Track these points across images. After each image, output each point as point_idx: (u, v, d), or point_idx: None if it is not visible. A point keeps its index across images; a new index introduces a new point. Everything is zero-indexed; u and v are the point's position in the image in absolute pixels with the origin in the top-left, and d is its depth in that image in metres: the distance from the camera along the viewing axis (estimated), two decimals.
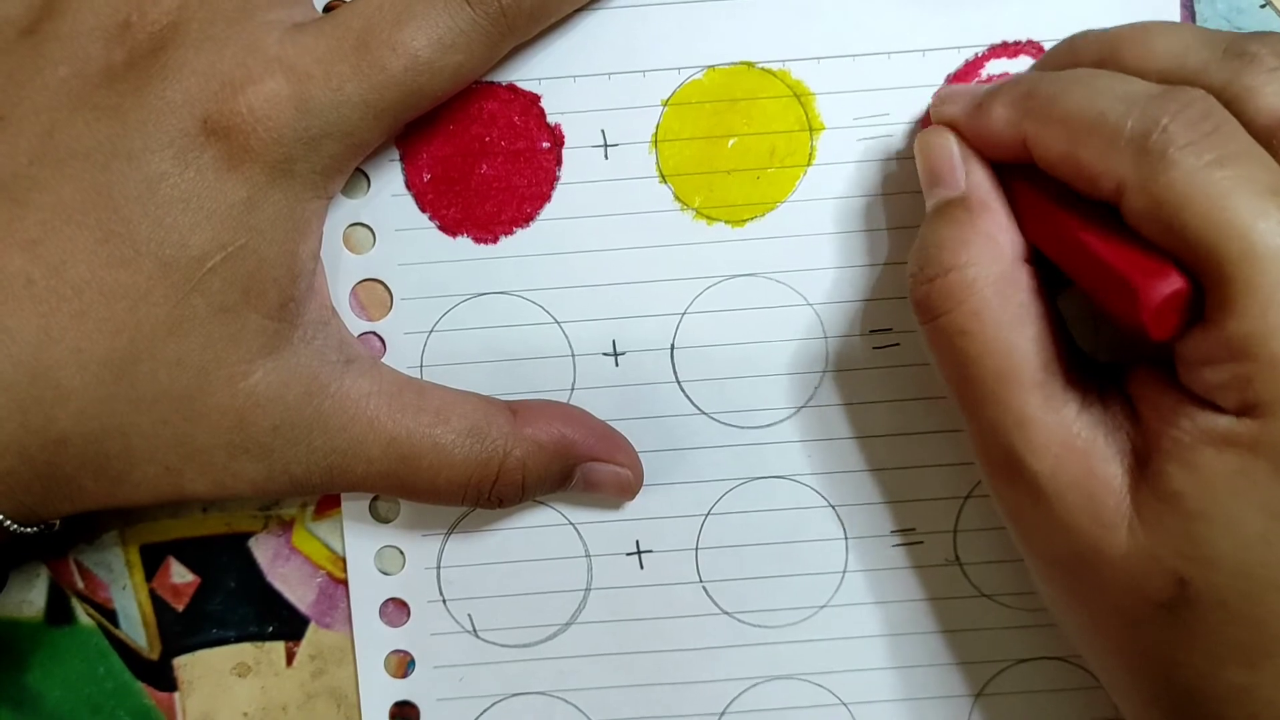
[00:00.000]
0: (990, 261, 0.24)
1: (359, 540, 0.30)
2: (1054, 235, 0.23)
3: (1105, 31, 0.25)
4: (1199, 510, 0.21)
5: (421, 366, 0.29)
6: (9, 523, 0.25)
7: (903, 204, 0.29)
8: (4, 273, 0.24)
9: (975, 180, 0.25)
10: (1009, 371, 0.23)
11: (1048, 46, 0.28)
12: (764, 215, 0.29)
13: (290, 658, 0.30)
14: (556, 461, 0.27)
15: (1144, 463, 0.22)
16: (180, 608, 0.30)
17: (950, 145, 0.25)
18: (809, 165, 0.29)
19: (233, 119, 0.24)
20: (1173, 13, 0.28)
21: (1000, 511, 0.25)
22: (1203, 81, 0.22)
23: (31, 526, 0.26)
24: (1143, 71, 0.23)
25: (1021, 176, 0.24)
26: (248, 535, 0.30)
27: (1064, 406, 0.23)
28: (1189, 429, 0.21)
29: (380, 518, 0.30)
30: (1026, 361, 0.23)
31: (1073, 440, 0.23)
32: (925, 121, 0.28)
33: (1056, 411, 0.23)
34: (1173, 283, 0.21)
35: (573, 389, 0.29)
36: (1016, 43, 0.28)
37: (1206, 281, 0.21)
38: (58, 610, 0.30)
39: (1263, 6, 0.28)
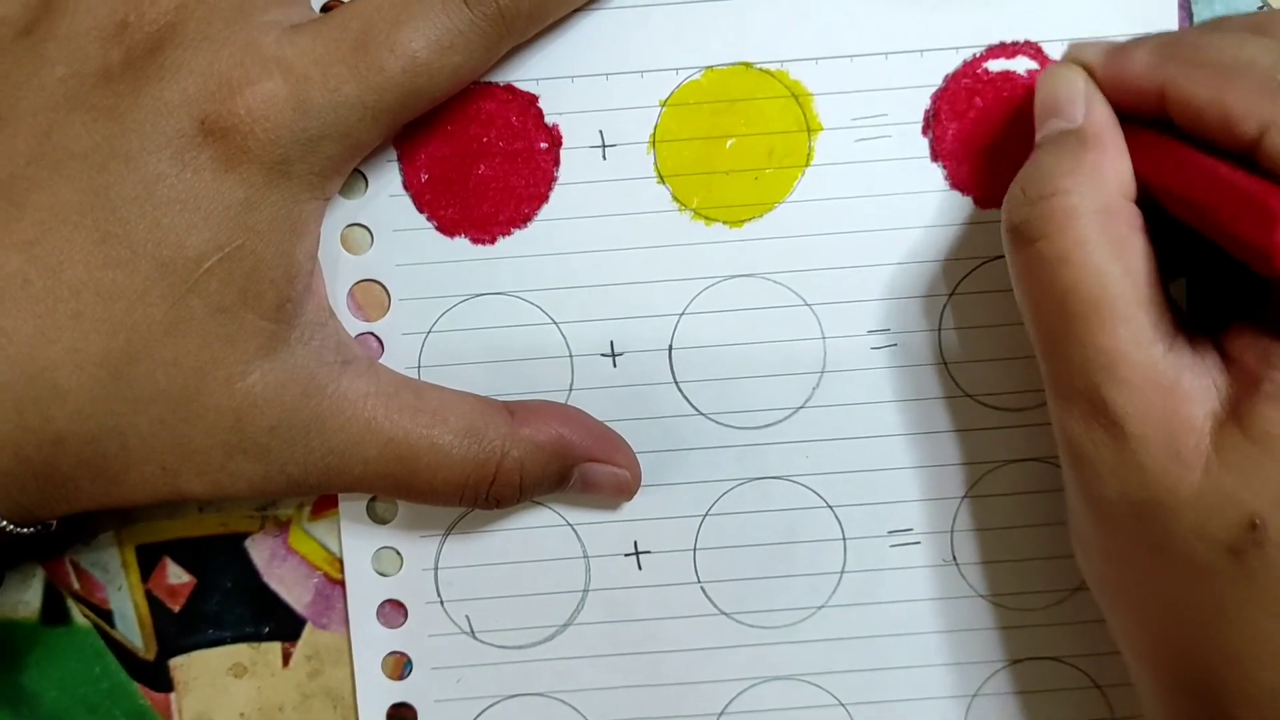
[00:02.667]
0: (1095, 191, 0.23)
1: (356, 541, 0.30)
2: (1179, 171, 0.23)
3: (1252, 14, 0.25)
4: None
5: (419, 367, 0.29)
6: (5, 523, 0.25)
7: (901, 204, 0.29)
8: (1, 273, 0.24)
9: (1096, 115, 0.24)
10: (1103, 302, 0.23)
11: (1046, 47, 0.28)
12: (762, 216, 0.29)
13: (286, 658, 0.30)
14: (554, 462, 0.27)
15: (1234, 407, 0.22)
16: (176, 608, 0.30)
17: (1077, 79, 0.25)
18: (807, 166, 0.29)
19: (230, 120, 0.24)
20: (1170, 13, 0.28)
21: (1068, 452, 0.24)
22: None
23: (28, 527, 0.26)
24: None
25: (1144, 131, 0.24)
26: (244, 536, 0.30)
27: (1153, 345, 0.23)
28: None
29: (378, 519, 0.30)
30: (1122, 295, 0.23)
31: (1159, 378, 0.23)
32: (926, 127, 0.28)
33: (1146, 348, 0.23)
34: None
35: (571, 390, 0.29)
36: (1014, 43, 0.28)
37: None
38: (53, 610, 0.30)
39: (1261, 7, 0.29)
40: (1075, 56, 0.25)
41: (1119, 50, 0.25)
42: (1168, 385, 0.23)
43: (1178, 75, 0.23)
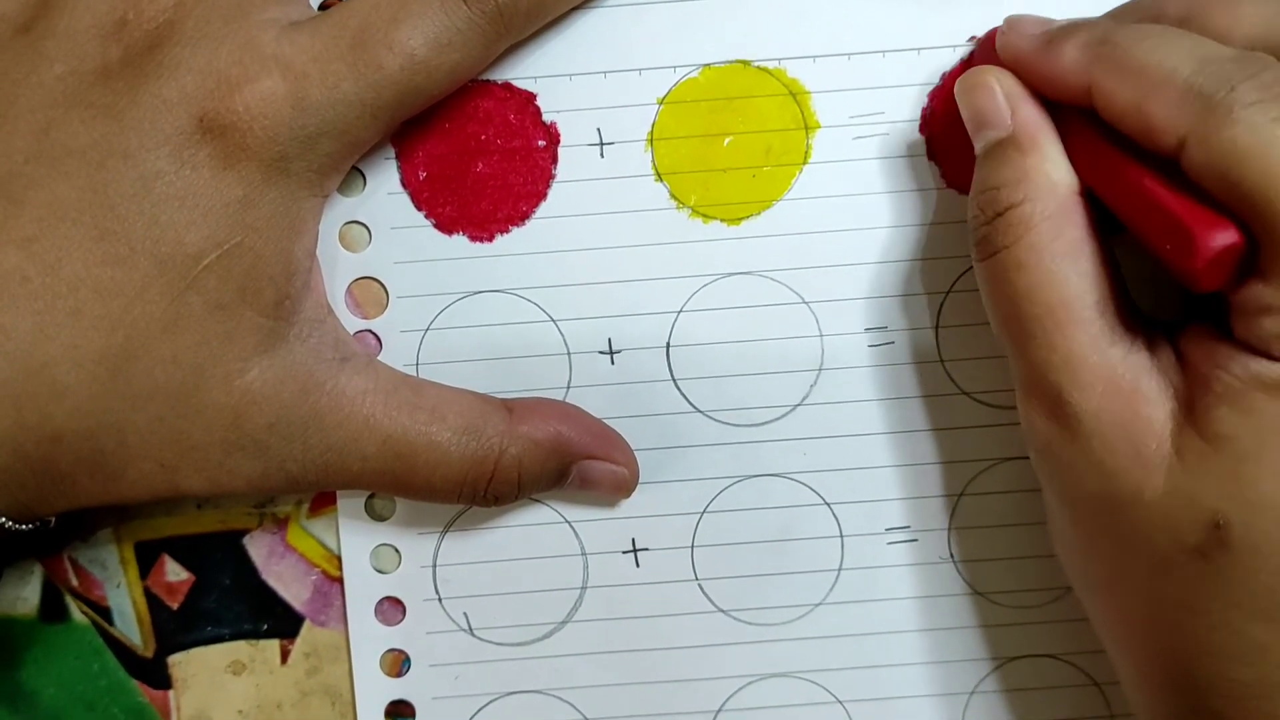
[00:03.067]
0: (1045, 196, 0.24)
1: (354, 538, 0.30)
2: (1110, 178, 0.24)
3: None
4: (1248, 452, 0.21)
5: (418, 364, 0.29)
6: (4, 520, 0.25)
7: (898, 202, 0.29)
8: (0, 270, 0.24)
9: (1024, 117, 0.25)
10: (1060, 306, 0.23)
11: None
12: (760, 213, 0.29)
13: (285, 655, 0.30)
14: (552, 459, 0.27)
15: (1189, 408, 0.22)
16: (175, 605, 0.30)
17: (994, 85, 0.25)
18: (805, 163, 0.29)
19: (229, 117, 0.24)
20: None
21: (1036, 454, 0.25)
22: None
23: (27, 524, 0.26)
24: (1228, 35, 0.23)
25: (1076, 117, 0.24)
26: (242, 533, 0.30)
27: (1112, 346, 0.23)
28: (1241, 374, 0.22)
29: (376, 515, 0.30)
30: (1079, 297, 0.23)
31: (1119, 380, 0.23)
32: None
33: (1104, 350, 0.23)
34: (1229, 235, 0.21)
35: (568, 387, 0.29)
36: None
37: (1264, 235, 0.21)
38: (52, 607, 0.30)
39: None
40: (1004, 43, 0.26)
41: (1049, 43, 0.24)
42: (1128, 388, 0.23)
43: (1103, 78, 0.23)
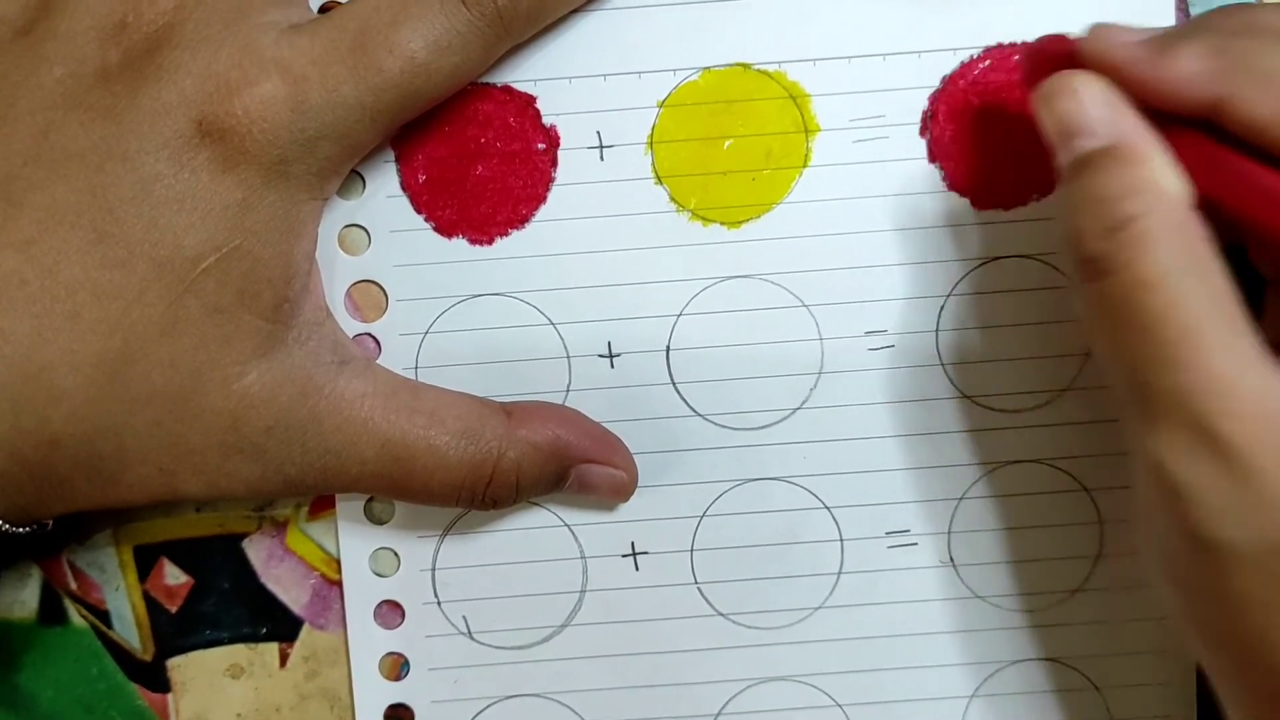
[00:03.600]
0: (1164, 210, 0.22)
1: (354, 542, 0.30)
2: (1236, 187, 0.22)
3: None
4: None
5: (417, 368, 0.29)
6: (2, 523, 0.25)
7: (899, 205, 0.29)
8: None
9: (1129, 127, 0.23)
10: (1198, 329, 0.21)
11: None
12: (760, 217, 0.29)
13: (284, 659, 0.30)
14: (551, 463, 0.27)
15: None
16: (173, 609, 0.30)
17: (1094, 91, 0.23)
18: (805, 167, 0.29)
19: (228, 121, 0.24)
20: (1167, 16, 0.28)
21: (1162, 488, 0.22)
22: None
23: (24, 526, 0.26)
24: None
25: (1181, 129, 0.23)
26: (241, 536, 0.30)
27: (1260, 365, 0.21)
28: None
29: (375, 519, 0.30)
30: (1213, 319, 0.21)
31: (1271, 402, 0.20)
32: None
33: (1252, 373, 0.21)
34: None
35: (568, 391, 0.29)
36: (1012, 44, 0.28)
37: None
38: (50, 611, 0.30)
39: None
40: (1097, 52, 0.24)
41: (1161, 52, 0.23)
42: None
43: (1239, 90, 0.22)
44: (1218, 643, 0.23)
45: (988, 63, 0.28)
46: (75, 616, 0.30)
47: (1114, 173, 0.22)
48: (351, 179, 0.29)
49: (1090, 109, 0.23)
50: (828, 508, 0.29)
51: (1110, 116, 0.23)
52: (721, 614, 0.30)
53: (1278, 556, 0.21)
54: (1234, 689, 0.23)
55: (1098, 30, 0.24)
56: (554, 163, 0.29)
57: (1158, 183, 0.22)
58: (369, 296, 0.29)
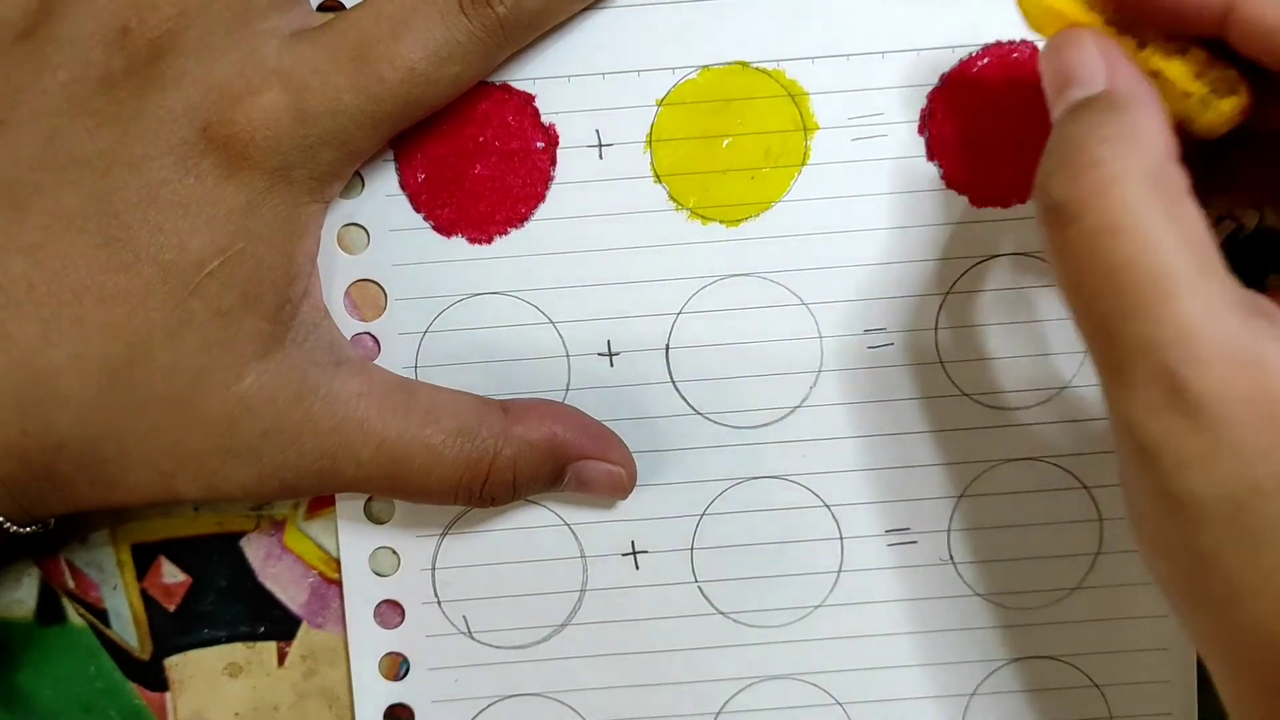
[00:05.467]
0: (1139, 154, 0.21)
1: (354, 541, 0.30)
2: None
3: None
4: None
5: (416, 367, 0.29)
6: (7, 524, 0.25)
7: (898, 203, 0.29)
8: (5, 277, 0.24)
9: (1121, 74, 0.22)
10: (1166, 275, 0.20)
11: (1042, 46, 0.28)
12: (759, 215, 0.29)
13: (282, 658, 0.30)
14: (548, 460, 0.27)
15: None
16: (171, 608, 0.30)
17: (1089, 41, 0.23)
18: (803, 165, 0.29)
19: (231, 128, 0.24)
20: None
21: (1135, 445, 0.21)
22: None
23: (28, 526, 0.26)
24: None
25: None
26: (239, 535, 0.30)
27: (1230, 315, 0.20)
28: None
29: (375, 519, 0.30)
30: (1184, 265, 0.20)
31: (1241, 353, 0.20)
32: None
33: (1222, 321, 0.20)
34: None
35: (567, 389, 0.29)
36: (1011, 42, 0.28)
37: None
38: (48, 610, 0.30)
39: None
40: None
41: None
42: (1253, 360, 0.20)
43: None
44: (1193, 603, 0.22)
45: (986, 60, 0.28)
46: (73, 615, 0.30)
47: (1093, 117, 0.22)
48: (350, 178, 0.29)
49: (1086, 58, 0.23)
50: (827, 506, 0.29)
51: (1103, 65, 0.22)
52: (722, 612, 0.30)
53: (1244, 510, 0.20)
54: (1211, 650, 0.23)
55: None
56: (553, 161, 0.29)
57: (1136, 129, 0.21)
58: (368, 296, 0.29)
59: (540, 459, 0.27)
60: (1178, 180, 0.21)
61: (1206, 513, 0.21)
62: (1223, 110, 0.22)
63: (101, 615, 0.30)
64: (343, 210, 0.29)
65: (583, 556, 0.30)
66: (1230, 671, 0.22)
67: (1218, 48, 0.22)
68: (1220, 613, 0.21)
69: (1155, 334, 0.20)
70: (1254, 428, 0.20)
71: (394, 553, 0.30)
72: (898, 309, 0.29)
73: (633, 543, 0.30)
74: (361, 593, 0.30)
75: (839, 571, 0.30)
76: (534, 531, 0.30)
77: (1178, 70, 0.22)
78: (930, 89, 0.28)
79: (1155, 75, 0.22)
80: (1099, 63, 0.22)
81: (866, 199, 0.29)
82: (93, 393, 0.24)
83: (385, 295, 0.29)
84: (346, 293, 0.29)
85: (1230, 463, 0.20)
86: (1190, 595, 0.22)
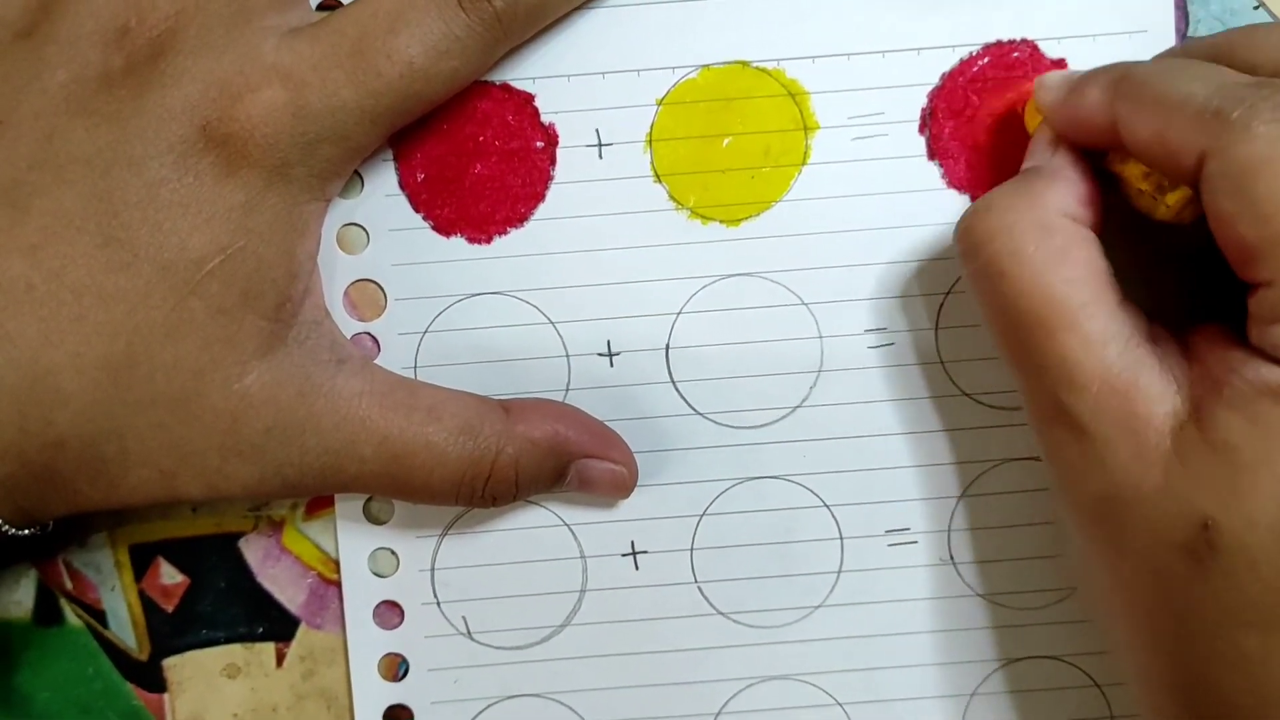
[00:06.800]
0: (1028, 209, 0.24)
1: (353, 542, 0.30)
2: None
3: (1214, 36, 0.25)
4: (1249, 462, 0.21)
5: (416, 367, 0.29)
6: (5, 526, 0.25)
7: (897, 203, 0.29)
8: (5, 277, 0.24)
9: (1058, 156, 0.25)
10: (1045, 312, 0.23)
11: (1042, 45, 0.28)
12: (759, 215, 0.29)
13: (280, 659, 0.30)
14: (550, 459, 0.27)
15: (1196, 408, 0.22)
16: (170, 608, 0.30)
17: (1043, 129, 0.26)
18: (804, 164, 0.29)
19: (231, 126, 0.24)
20: (1167, 14, 0.28)
21: (1047, 462, 0.25)
22: None
23: (26, 528, 0.26)
24: (1253, 69, 0.23)
25: None
26: (238, 535, 0.30)
27: (1104, 346, 0.23)
28: (1253, 380, 0.22)
29: (374, 519, 0.30)
30: (1063, 303, 0.23)
31: (1113, 380, 0.23)
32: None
33: (1096, 352, 0.23)
34: None
35: (567, 389, 0.29)
36: (1011, 42, 0.28)
37: (1276, 243, 0.21)
38: (46, 611, 0.30)
39: (1256, 8, 0.29)
40: (1038, 101, 0.26)
41: (1073, 88, 0.25)
42: (1124, 385, 0.23)
43: (1124, 113, 0.24)
44: (1091, 602, 0.26)
45: (987, 60, 0.28)
46: (71, 616, 0.30)
47: (1017, 181, 0.25)
48: (350, 178, 0.29)
49: (1039, 140, 0.26)
50: (827, 506, 0.29)
51: (1049, 146, 0.26)
52: (721, 613, 0.30)
53: (1107, 513, 0.23)
54: (1109, 642, 0.26)
55: (1037, 81, 0.27)
56: (553, 161, 0.29)
57: (1042, 194, 0.25)
58: (367, 295, 0.29)
59: (542, 457, 0.27)
60: (1070, 232, 0.24)
61: (1090, 518, 0.24)
62: (1169, 203, 0.24)
63: (99, 616, 0.30)
64: (342, 210, 0.29)
65: (582, 557, 0.30)
66: (1114, 637, 0.25)
67: None
68: (1106, 600, 0.25)
69: (1041, 364, 0.24)
70: (1122, 444, 0.23)
71: (393, 553, 0.30)
72: (898, 309, 0.29)
73: (632, 543, 0.30)
74: (360, 593, 0.30)
75: (839, 572, 0.30)
76: (533, 532, 0.29)
77: (1131, 171, 0.25)
78: (931, 89, 0.28)
79: (1118, 176, 0.25)
80: (1048, 145, 0.26)
81: (867, 198, 0.29)
82: (92, 391, 0.24)
83: (385, 295, 0.29)
84: (346, 293, 0.29)
85: (1101, 473, 0.23)
86: (1088, 591, 0.26)
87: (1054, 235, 0.24)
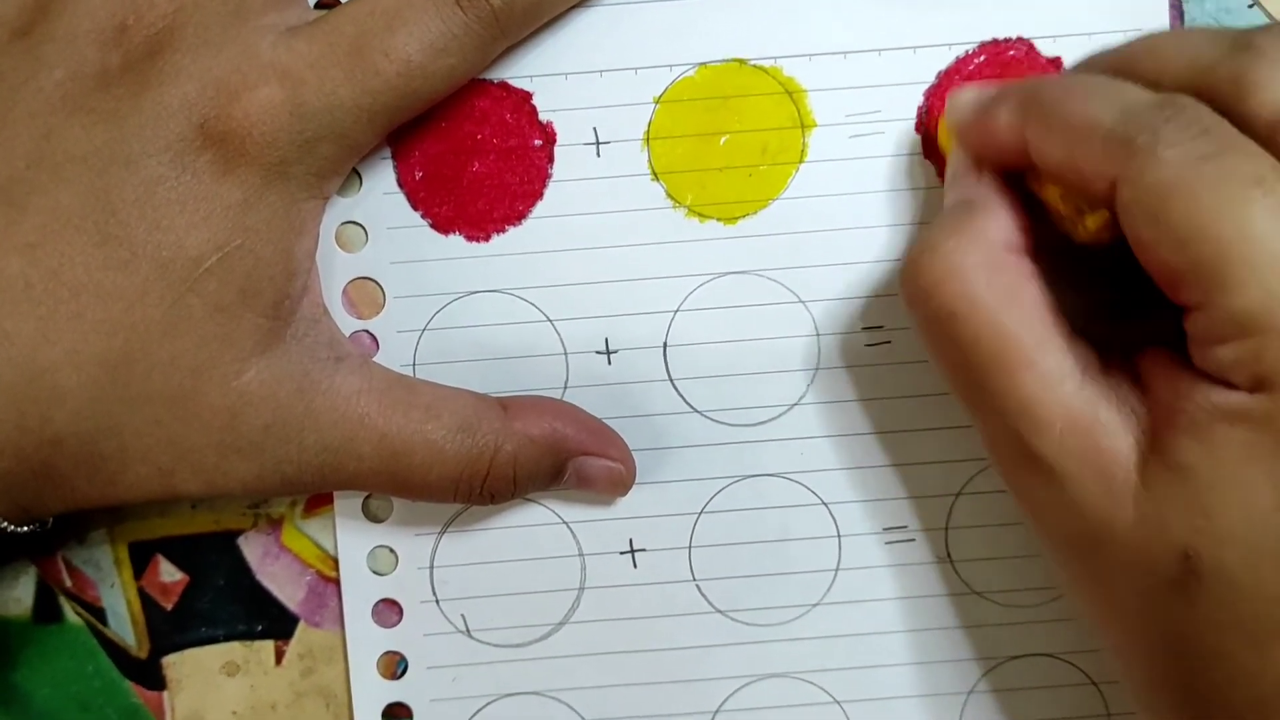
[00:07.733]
0: (973, 248, 0.24)
1: (351, 540, 0.30)
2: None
3: (1120, 47, 0.25)
4: (1210, 483, 0.21)
5: (414, 365, 0.29)
6: (4, 523, 0.25)
7: (895, 201, 0.29)
8: (2, 275, 0.24)
9: (983, 184, 0.25)
10: (1002, 352, 0.23)
11: (1038, 44, 0.28)
12: (756, 213, 0.29)
13: (279, 656, 0.30)
14: (548, 456, 0.27)
15: (1153, 436, 0.22)
16: (169, 606, 0.30)
17: (958, 154, 0.26)
18: (801, 162, 0.29)
19: (228, 124, 0.24)
20: (1162, 12, 0.28)
21: (1015, 498, 0.25)
22: (1215, 77, 0.22)
23: (25, 525, 0.26)
24: (1159, 79, 0.23)
25: None
26: (237, 533, 0.30)
27: (1062, 383, 0.23)
28: (1203, 404, 0.21)
29: (373, 517, 0.30)
30: (1019, 341, 0.23)
31: (1075, 416, 0.23)
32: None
33: (1055, 389, 0.23)
34: None
35: (565, 387, 0.29)
36: (1007, 40, 0.28)
37: (1199, 266, 0.21)
38: (46, 608, 0.30)
39: (1250, 6, 0.29)
40: (949, 119, 0.26)
41: (984, 109, 0.25)
42: (1085, 422, 0.23)
43: (1034, 138, 0.23)
44: (1090, 624, 0.25)
45: (983, 58, 0.28)
46: (70, 614, 0.30)
47: (950, 218, 0.24)
48: (348, 176, 0.29)
49: (958, 167, 0.26)
50: (825, 504, 0.29)
51: (966, 171, 0.25)
52: (719, 611, 0.30)
53: (1086, 549, 0.23)
54: (1109, 658, 0.26)
55: (947, 98, 0.26)
56: (550, 159, 0.29)
57: (982, 229, 0.24)
58: (366, 293, 0.29)
59: (540, 454, 0.27)
60: (1016, 268, 0.24)
61: (1066, 554, 0.24)
62: (1089, 226, 0.24)
63: (99, 614, 0.30)
64: (340, 208, 0.29)
65: (581, 555, 0.30)
66: (1114, 657, 0.25)
67: None
68: (1099, 629, 0.25)
69: (1000, 405, 0.23)
70: (1090, 482, 0.22)
71: (392, 551, 0.30)
72: (895, 307, 0.29)
73: (631, 541, 0.30)
74: (359, 591, 0.30)
75: (837, 569, 0.30)
76: (532, 530, 0.29)
77: (1050, 193, 0.24)
78: (927, 86, 0.29)
79: (1037, 197, 0.24)
80: (970, 170, 0.25)
81: (864, 196, 0.29)
82: (90, 389, 0.24)
83: (383, 293, 0.29)
84: (344, 291, 0.29)
85: (1073, 513, 0.23)
86: (1084, 615, 0.25)
87: (1003, 273, 0.24)
